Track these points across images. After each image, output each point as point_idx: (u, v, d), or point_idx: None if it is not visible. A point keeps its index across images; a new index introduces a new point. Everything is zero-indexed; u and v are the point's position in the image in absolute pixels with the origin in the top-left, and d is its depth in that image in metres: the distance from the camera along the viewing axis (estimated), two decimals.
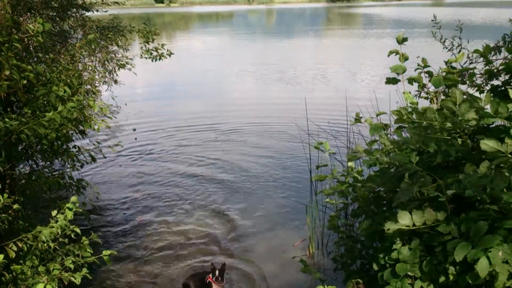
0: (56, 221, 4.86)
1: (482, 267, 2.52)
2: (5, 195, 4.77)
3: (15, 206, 4.86)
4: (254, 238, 7.80)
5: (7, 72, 4.97)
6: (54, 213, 4.90)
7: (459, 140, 3.01)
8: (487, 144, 2.82)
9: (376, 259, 3.32)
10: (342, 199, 4.76)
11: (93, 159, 6.69)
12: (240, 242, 7.69)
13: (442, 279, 2.94)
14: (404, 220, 2.84)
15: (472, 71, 3.93)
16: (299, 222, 8.17)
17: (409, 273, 3.06)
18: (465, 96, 3.13)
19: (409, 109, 3.32)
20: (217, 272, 5.99)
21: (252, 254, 7.31)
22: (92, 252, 5.09)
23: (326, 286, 3.61)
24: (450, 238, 2.75)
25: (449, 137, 3.01)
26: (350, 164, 4.23)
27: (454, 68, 3.95)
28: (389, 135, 3.80)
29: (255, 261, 7.13)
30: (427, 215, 2.80)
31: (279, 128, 13.86)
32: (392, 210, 3.29)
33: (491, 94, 3.18)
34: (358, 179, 3.90)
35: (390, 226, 2.84)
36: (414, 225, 2.84)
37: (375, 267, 3.34)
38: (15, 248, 4.69)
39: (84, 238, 4.98)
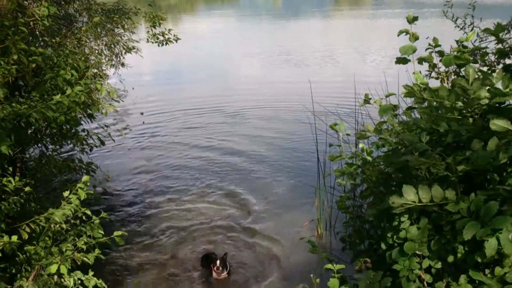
0: (69, 202, 4.91)
1: (490, 246, 2.52)
2: (16, 178, 4.83)
3: (27, 188, 4.93)
4: (262, 220, 7.86)
5: (15, 57, 4.98)
6: (66, 194, 4.95)
7: (470, 120, 2.99)
8: (497, 124, 2.80)
9: (384, 238, 3.33)
10: (351, 180, 4.77)
11: (102, 143, 6.73)
12: (249, 223, 7.75)
13: (450, 258, 2.94)
14: (409, 195, 2.83)
15: (484, 50, 3.88)
16: (307, 203, 8.20)
17: (417, 252, 3.06)
18: (477, 75, 3.09)
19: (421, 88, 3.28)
20: (218, 262, 6.05)
21: (261, 235, 7.37)
22: (103, 233, 5.16)
23: (334, 265, 3.64)
24: (459, 217, 2.75)
25: (460, 117, 2.99)
26: (361, 145, 4.22)
27: (466, 47, 3.89)
28: (398, 117, 3.78)
29: (264, 242, 7.19)
30: (434, 191, 2.79)
31: (286, 111, 13.84)
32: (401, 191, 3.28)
33: (503, 72, 3.14)
34: (367, 160, 3.90)
35: (395, 200, 2.83)
36: (420, 201, 2.83)
37: (383, 246, 3.35)
38: (28, 230, 4.76)
39: (94, 217, 5.03)
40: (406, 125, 3.23)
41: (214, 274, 6.14)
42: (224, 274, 6.16)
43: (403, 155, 3.10)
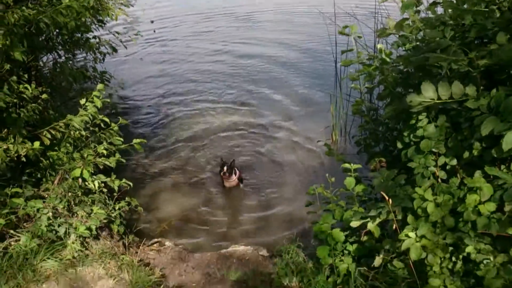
0: (86, 109, 4.98)
1: (508, 140, 2.54)
2: (33, 86, 4.86)
3: (44, 96, 4.98)
4: (278, 127, 7.94)
5: None
6: (82, 101, 5.01)
7: (497, 12, 2.87)
8: None
9: (401, 137, 3.37)
10: (368, 83, 4.72)
11: (114, 50, 6.66)
12: (265, 130, 7.85)
13: (466, 154, 2.99)
14: (428, 92, 2.80)
15: None
16: (323, 110, 8.21)
17: (433, 149, 3.11)
18: None
19: None
20: (225, 168, 6.19)
21: (276, 142, 7.49)
22: (122, 140, 5.28)
23: (351, 165, 3.73)
24: (478, 114, 2.75)
25: (487, 9, 2.86)
26: (379, 46, 4.12)
27: None
28: (421, 13, 3.63)
29: (279, 148, 7.33)
30: (454, 88, 2.76)
31: (301, 14, 13.39)
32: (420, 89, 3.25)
33: None
34: (386, 61, 3.83)
35: (413, 98, 2.82)
36: (439, 98, 2.81)
37: (399, 145, 3.40)
38: (49, 136, 4.88)
39: (113, 124, 5.13)
40: (429, 21, 3.12)
41: (224, 181, 6.32)
42: (234, 180, 6.32)
43: (424, 53, 3.03)
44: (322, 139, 6.62)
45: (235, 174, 6.32)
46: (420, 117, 3.09)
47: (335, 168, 6.53)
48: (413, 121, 3.13)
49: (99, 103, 5.00)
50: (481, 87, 2.87)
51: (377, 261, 3.29)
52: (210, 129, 7.91)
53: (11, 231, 4.30)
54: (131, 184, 5.03)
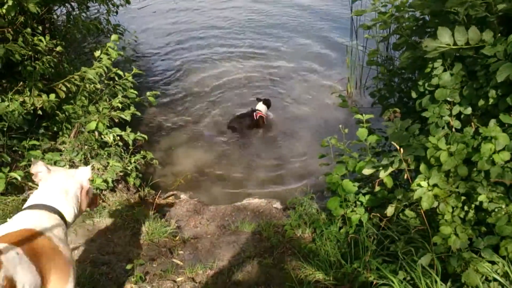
0: (100, 61, 4.98)
1: None
2: (47, 38, 4.86)
3: (58, 48, 4.99)
4: (293, 79, 7.90)
5: None
6: (97, 53, 5.01)
7: None
8: None
9: (416, 87, 3.31)
10: (383, 32, 4.60)
11: (127, 1, 6.58)
12: (280, 82, 7.80)
13: (481, 103, 2.92)
14: (444, 37, 2.72)
15: None
16: (338, 62, 8.10)
17: (448, 98, 3.05)
18: None
19: None
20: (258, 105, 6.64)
21: (291, 94, 7.46)
22: (137, 93, 5.29)
23: (363, 115, 3.69)
24: (495, 61, 2.67)
25: None
26: None
27: None
28: None
29: (294, 99, 7.31)
30: (471, 33, 2.67)
31: None
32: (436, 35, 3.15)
33: None
34: (401, 8, 3.71)
35: (429, 44, 2.74)
36: (455, 44, 2.73)
37: (413, 94, 3.35)
38: (64, 89, 4.92)
39: (127, 73, 5.12)
40: None
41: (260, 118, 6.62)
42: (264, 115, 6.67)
43: None
44: (336, 91, 6.55)
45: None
46: (435, 65, 3.02)
47: (350, 120, 6.49)
48: (428, 69, 3.07)
49: (114, 54, 4.99)
50: (499, 33, 2.78)
51: (389, 210, 3.30)
52: (225, 82, 7.90)
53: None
54: (145, 137, 5.08)
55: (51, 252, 2.34)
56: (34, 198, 2.58)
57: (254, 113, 6.59)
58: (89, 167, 2.80)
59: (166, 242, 4.21)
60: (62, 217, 2.55)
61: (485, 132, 2.79)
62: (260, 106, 6.72)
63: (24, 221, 2.40)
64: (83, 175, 2.75)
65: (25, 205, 2.53)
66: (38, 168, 2.61)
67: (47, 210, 2.49)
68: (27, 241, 2.26)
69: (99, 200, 3.45)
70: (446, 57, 2.96)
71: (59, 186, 2.63)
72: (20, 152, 4.58)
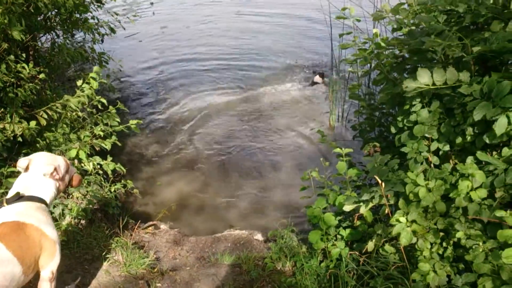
0: (82, 91, 4.98)
1: (500, 125, 2.53)
2: (30, 65, 4.85)
3: (41, 75, 4.97)
4: (275, 110, 7.97)
5: None
6: (79, 83, 5.01)
7: None
8: None
9: (395, 122, 3.36)
10: (363, 67, 4.69)
11: (113, 31, 6.63)
12: (262, 114, 7.86)
13: (459, 140, 2.98)
14: (424, 78, 2.79)
15: None
16: (320, 96, 8.20)
17: (426, 135, 3.10)
18: None
19: None
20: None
21: (273, 126, 7.52)
22: (119, 121, 5.28)
23: (343, 149, 3.73)
24: (471, 100, 2.74)
25: None
26: (375, 31, 4.09)
27: None
28: None
29: (276, 132, 7.35)
30: (449, 74, 2.74)
31: None
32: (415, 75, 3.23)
33: None
34: (381, 45, 3.80)
35: (408, 84, 2.81)
36: (434, 84, 2.80)
37: (393, 130, 3.39)
38: (45, 116, 4.88)
39: (111, 107, 5.13)
40: (424, 6, 3.09)
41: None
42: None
43: (419, 37, 3.00)
44: (318, 125, 6.62)
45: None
46: (414, 102, 3.08)
47: (332, 153, 6.56)
48: (407, 106, 3.12)
49: (95, 85, 5.00)
50: (475, 73, 2.86)
51: (370, 245, 3.31)
52: (207, 112, 7.94)
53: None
54: (124, 170, 5.04)
55: (38, 237, 2.82)
56: (16, 187, 3.00)
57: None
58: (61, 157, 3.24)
59: (144, 274, 4.12)
60: (42, 201, 2.99)
61: (462, 169, 2.84)
62: (317, 78, 8.69)
63: (6, 214, 2.80)
64: (58, 160, 3.19)
65: (8, 195, 2.94)
66: (20, 164, 3.11)
67: (29, 201, 2.92)
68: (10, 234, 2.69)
69: (82, 179, 3.68)
70: (424, 94, 3.02)
71: (38, 174, 3.05)
72: None
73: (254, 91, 8.61)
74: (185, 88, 8.80)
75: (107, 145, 5.02)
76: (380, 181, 3.02)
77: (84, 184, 4.78)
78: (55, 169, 3.11)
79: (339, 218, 3.90)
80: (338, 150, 3.82)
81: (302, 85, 8.79)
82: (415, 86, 2.81)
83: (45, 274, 3.00)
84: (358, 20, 4.23)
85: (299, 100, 8.28)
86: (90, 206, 4.57)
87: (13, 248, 2.66)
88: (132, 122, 5.21)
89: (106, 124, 5.18)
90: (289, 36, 11.04)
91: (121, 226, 4.72)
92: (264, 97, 8.39)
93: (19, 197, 2.90)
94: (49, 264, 2.99)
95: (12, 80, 4.68)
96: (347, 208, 3.49)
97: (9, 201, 2.88)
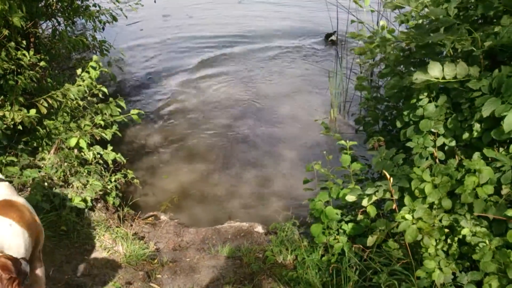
0: (83, 80, 4.93)
1: (509, 122, 2.49)
2: (31, 52, 4.79)
3: (42, 63, 4.92)
4: (278, 102, 7.88)
5: None
6: (79, 71, 4.96)
7: None
8: None
9: (400, 116, 3.32)
10: (370, 60, 4.63)
11: (114, 19, 6.56)
12: (263, 107, 7.79)
13: (465, 135, 2.93)
14: (434, 71, 2.73)
15: None
16: (322, 88, 8.14)
17: (432, 129, 3.06)
18: None
19: None
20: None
21: (275, 117, 7.44)
22: (120, 110, 5.24)
23: (347, 141, 3.68)
24: (479, 95, 2.69)
25: None
26: (382, 23, 4.02)
27: None
28: None
29: (278, 124, 7.28)
30: (459, 68, 2.69)
31: None
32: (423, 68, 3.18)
33: None
34: (388, 38, 3.74)
35: (418, 76, 2.75)
36: (444, 78, 2.75)
37: (398, 124, 3.35)
38: (46, 104, 4.84)
39: (111, 99, 5.09)
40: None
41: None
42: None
43: (427, 30, 2.95)
44: (320, 117, 6.56)
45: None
46: (420, 96, 3.03)
47: (335, 146, 6.51)
48: (414, 100, 3.08)
49: (94, 74, 4.95)
50: (484, 68, 2.81)
51: (370, 240, 3.27)
52: (208, 102, 7.86)
53: None
54: (124, 160, 5.00)
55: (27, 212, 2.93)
56: None
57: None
58: None
59: (144, 265, 4.10)
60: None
61: (469, 165, 2.80)
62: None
63: None
64: None
65: None
66: None
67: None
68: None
69: None
70: (431, 88, 2.97)
71: None
72: None
73: (254, 81, 8.54)
74: (186, 77, 8.72)
75: (107, 134, 4.99)
76: (388, 176, 2.98)
77: (84, 174, 4.74)
78: None
79: (341, 212, 3.87)
80: (342, 142, 3.78)
81: (303, 76, 8.72)
82: (425, 79, 2.76)
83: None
84: (373, 11, 4.13)
85: (301, 91, 8.21)
86: (90, 195, 4.52)
87: (20, 223, 2.77)
88: (134, 112, 5.16)
89: (107, 114, 5.15)
90: (292, 28, 10.95)
91: (121, 217, 4.69)
92: (266, 88, 8.32)
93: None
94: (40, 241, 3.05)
95: (13, 67, 4.63)
96: (350, 198, 3.46)
97: None
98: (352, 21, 4.13)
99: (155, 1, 12.28)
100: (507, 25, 2.74)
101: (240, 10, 12.15)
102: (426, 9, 3.19)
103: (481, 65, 2.77)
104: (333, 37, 9.83)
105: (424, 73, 2.74)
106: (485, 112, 2.56)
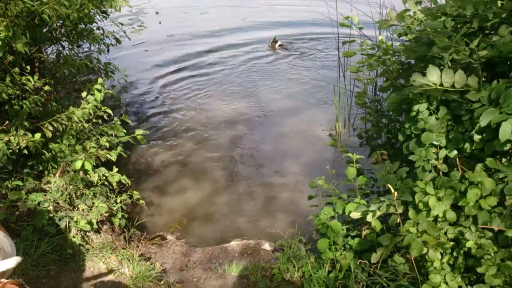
0: (88, 102, 4.98)
1: (504, 131, 2.47)
2: (35, 77, 4.85)
3: (46, 87, 4.97)
4: (281, 117, 7.91)
5: None
6: (84, 94, 5.01)
7: (499, 3, 2.78)
8: None
9: (402, 130, 3.31)
10: (370, 74, 4.64)
11: (118, 41, 6.63)
12: (268, 120, 7.82)
13: (467, 147, 2.92)
14: (433, 76, 2.72)
15: None
16: (326, 102, 8.17)
17: (434, 142, 3.05)
18: None
19: None
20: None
21: (280, 133, 7.46)
22: (125, 131, 5.27)
23: (354, 154, 3.67)
24: (479, 106, 2.68)
25: None
26: (380, 37, 4.05)
27: None
28: (422, 3, 3.55)
29: (283, 139, 7.29)
30: (457, 77, 2.69)
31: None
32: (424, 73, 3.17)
33: None
34: (387, 51, 3.75)
35: (417, 79, 2.75)
36: (441, 85, 2.74)
37: (400, 138, 3.34)
38: (51, 128, 4.88)
39: (116, 118, 5.12)
40: (430, 12, 3.04)
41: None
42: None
43: (426, 43, 2.96)
44: (325, 131, 6.57)
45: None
46: (421, 109, 3.02)
47: (339, 160, 6.50)
48: (413, 113, 3.07)
49: (99, 97, 4.99)
50: (483, 79, 2.80)
51: (375, 256, 3.24)
52: (215, 119, 7.91)
53: (12, 225, 4.30)
54: (129, 182, 5.02)
55: None
56: None
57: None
58: None
59: (150, 286, 4.09)
60: None
61: (471, 177, 2.78)
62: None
63: None
64: None
65: None
66: None
67: None
68: None
69: None
70: (431, 100, 2.97)
71: None
72: (3, 192, 4.49)
73: (259, 98, 8.60)
74: (191, 95, 8.78)
75: (112, 156, 5.01)
76: (393, 190, 2.96)
77: (90, 196, 4.75)
78: None
79: (347, 226, 3.84)
80: (349, 155, 3.76)
81: (307, 91, 8.75)
82: (423, 83, 2.75)
83: None
84: (361, 28, 4.19)
85: (305, 106, 8.24)
86: (96, 218, 4.53)
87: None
88: (138, 133, 5.19)
89: (112, 135, 5.17)
90: (295, 47, 11.03)
91: (127, 238, 4.69)
92: (270, 104, 8.36)
93: None
94: None
95: (17, 92, 4.68)
96: (355, 215, 3.44)
97: None
98: (344, 43, 4.16)
99: (160, 23, 12.50)
100: (505, 35, 2.74)
101: (247, 28, 12.29)
102: (422, 24, 3.20)
103: (479, 77, 2.77)
104: (280, 42, 10.74)
105: (423, 77, 2.74)
106: (483, 122, 2.55)
